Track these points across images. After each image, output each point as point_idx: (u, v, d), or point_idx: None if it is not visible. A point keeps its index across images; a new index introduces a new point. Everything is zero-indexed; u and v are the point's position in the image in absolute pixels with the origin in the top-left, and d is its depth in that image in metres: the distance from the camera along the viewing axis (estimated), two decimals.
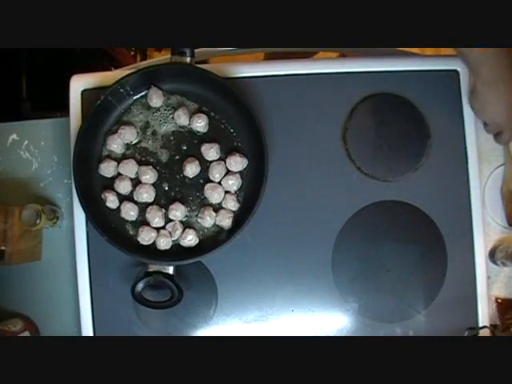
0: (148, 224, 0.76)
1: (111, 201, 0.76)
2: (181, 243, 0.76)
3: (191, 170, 0.77)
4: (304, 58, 0.88)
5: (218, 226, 0.77)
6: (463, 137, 0.82)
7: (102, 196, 0.77)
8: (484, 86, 0.71)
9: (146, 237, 0.75)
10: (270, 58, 1.30)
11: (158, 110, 0.79)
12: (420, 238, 0.81)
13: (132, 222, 0.77)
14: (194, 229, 0.77)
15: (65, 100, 0.81)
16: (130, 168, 0.77)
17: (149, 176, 0.77)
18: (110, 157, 0.78)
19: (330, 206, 0.81)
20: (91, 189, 0.77)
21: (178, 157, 0.79)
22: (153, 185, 0.77)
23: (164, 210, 0.77)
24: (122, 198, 0.77)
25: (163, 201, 0.78)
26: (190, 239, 0.76)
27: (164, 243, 0.76)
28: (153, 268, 0.74)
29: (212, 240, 0.77)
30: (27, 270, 0.84)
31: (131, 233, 0.77)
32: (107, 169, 0.77)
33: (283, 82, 0.83)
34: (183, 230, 0.76)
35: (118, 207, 0.77)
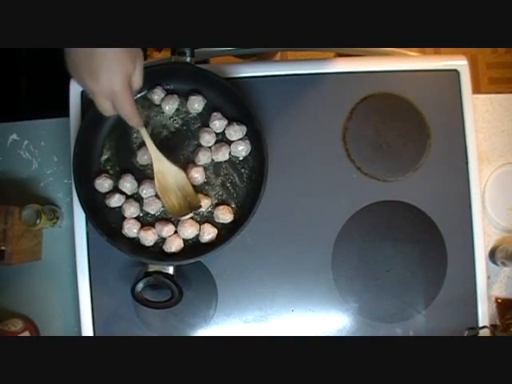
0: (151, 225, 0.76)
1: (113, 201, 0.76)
2: (201, 240, 0.76)
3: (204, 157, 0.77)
4: (296, 58, 0.87)
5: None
6: (463, 137, 0.82)
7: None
8: None
9: (149, 237, 0.75)
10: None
11: (157, 109, 0.79)
12: (420, 237, 0.81)
13: None
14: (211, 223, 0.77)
15: (65, 100, 0.81)
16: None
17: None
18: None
19: (330, 205, 0.81)
20: (91, 189, 0.77)
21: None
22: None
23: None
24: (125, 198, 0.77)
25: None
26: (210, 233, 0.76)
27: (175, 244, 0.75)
28: (153, 268, 0.73)
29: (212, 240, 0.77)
30: (27, 269, 0.84)
31: None
32: (103, 185, 0.77)
33: (283, 81, 0.83)
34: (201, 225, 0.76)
35: (118, 206, 0.77)
